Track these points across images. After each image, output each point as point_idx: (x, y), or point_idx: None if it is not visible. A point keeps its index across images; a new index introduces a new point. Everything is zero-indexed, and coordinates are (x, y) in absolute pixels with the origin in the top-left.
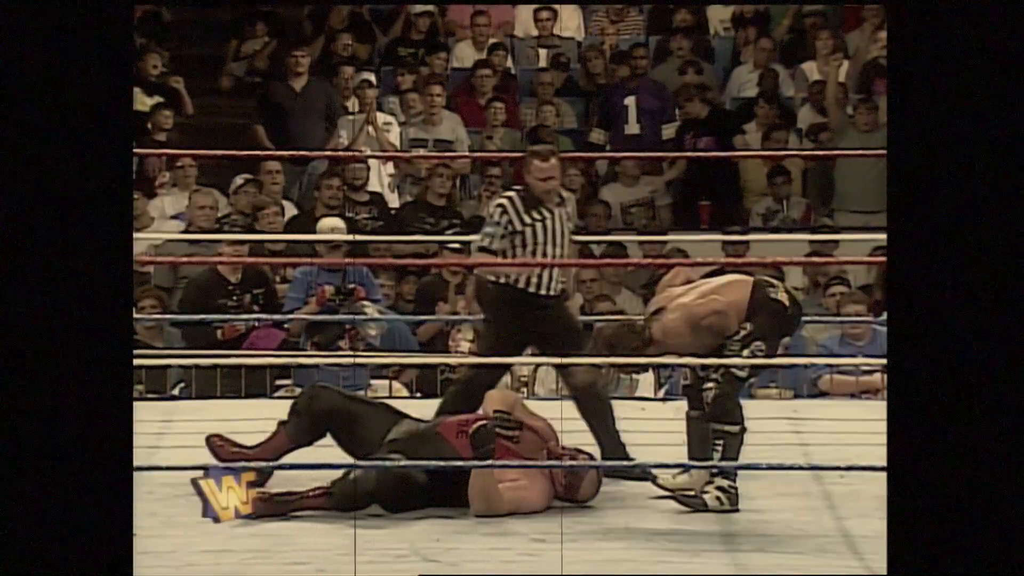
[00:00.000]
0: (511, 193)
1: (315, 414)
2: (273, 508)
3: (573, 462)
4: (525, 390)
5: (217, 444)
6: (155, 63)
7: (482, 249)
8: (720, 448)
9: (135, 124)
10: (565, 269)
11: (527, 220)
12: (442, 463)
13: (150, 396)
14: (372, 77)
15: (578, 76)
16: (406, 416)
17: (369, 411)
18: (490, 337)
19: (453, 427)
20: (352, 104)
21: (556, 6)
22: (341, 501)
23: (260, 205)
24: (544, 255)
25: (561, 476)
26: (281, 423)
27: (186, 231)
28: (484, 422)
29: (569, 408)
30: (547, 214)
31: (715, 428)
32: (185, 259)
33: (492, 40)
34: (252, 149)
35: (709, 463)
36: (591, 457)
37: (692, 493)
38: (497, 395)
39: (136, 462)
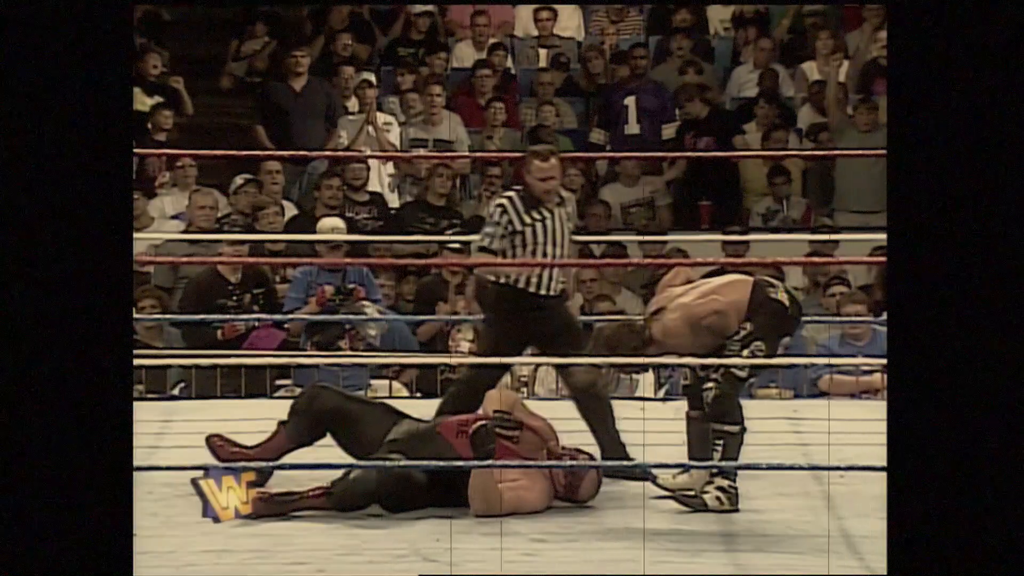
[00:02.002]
0: (511, 193)
1: (315, 414)
2: (273, 508)
3: (573, 462)
4: (525, 390)
5: (217, 444)
6: (155, 63)
7: (482, 249)
8: (720, 448)
9: (135, 124)
10: (565, 269)
11: (527, 220)
12: (442, 463)
13: (150, 396)
14: (372, 77)
15: (578, 76)
16: (406, 416)
17: (369, 411)
18: (490, 337)
19: (453, 427)
20: (352, 104)
21: (556, 6)
22: (341, 501)
23: (260, 205)
24: (544, 255)
25: (561, 476)
26: (281, 423)
27: (186, 231)
28: (484, 422)
29: (569, 408)
30: (547, 214)
31: (715, 428)
32: (185, 259)
33: (492, 40)
34: (252, 149)
35: (709, 463)
36: (591, 457)
37: (692, 493)
38: (497, 395)
39: (136, 462)
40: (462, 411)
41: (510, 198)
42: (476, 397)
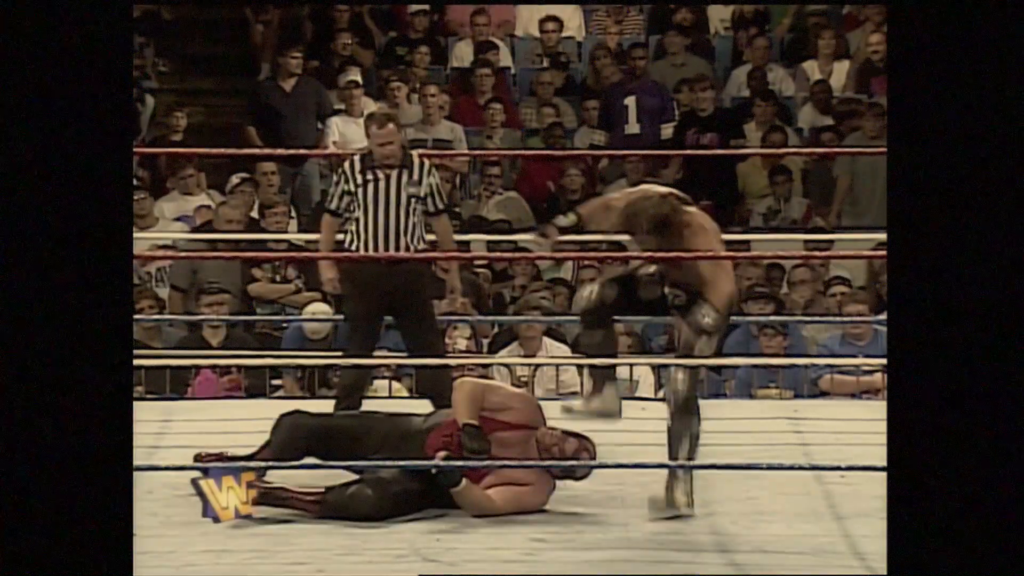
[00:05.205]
0: (355, 156)
1: (294, 443)
2: (268, 499)
3: (567, 462)
4: (524, 390)
5: (205, 461)
6: (155, 63)
7: (324, 210)
8: (687, 445)
9: (137, 122)
10: (409, 233)
11: (359, 181)
12: (435, 468)
13: (150, 396)
14: (369, 76)
15: (580, 76)
16: (396, 416)
17: (352, 425)
18: (348, 305)
19: (436, 443)
20: (347, 104)
21: (561, 15)
22: (333, 511)
23: (268, 203)
24: (376, 216)
25: (557, 454)
26: (265, 445)
27: (196, 229)
28: (459, 439)
29: (559, 408)
30: (381, 176)
31: (682, 425)
32: (185, 254)
33: (491, 39)
34: (244, 149)
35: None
36: (578, 437)
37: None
38: (462, 399)
39: (136, 462)
40: (357, 388)
41: (351, 161)
42: (360, 380)
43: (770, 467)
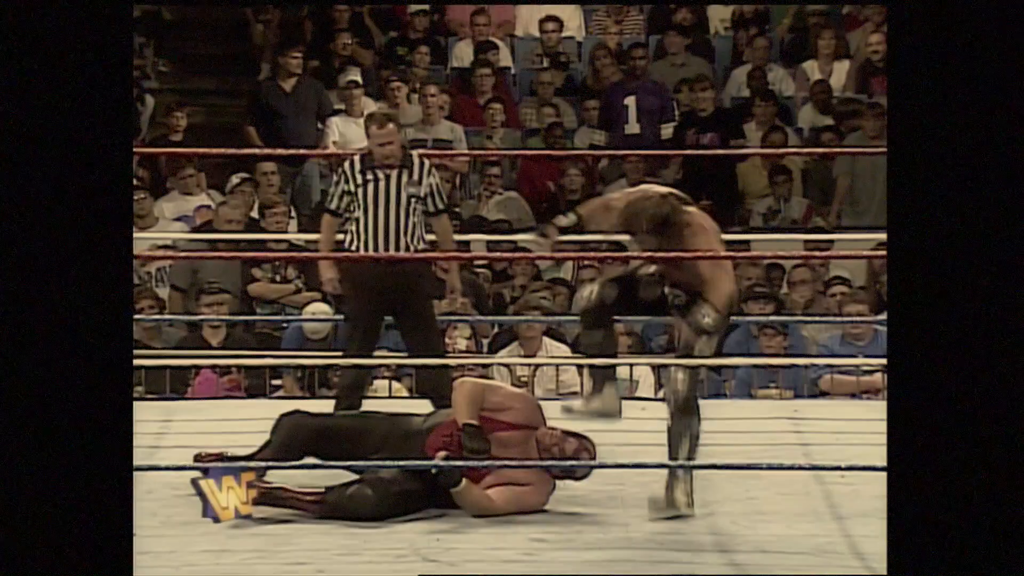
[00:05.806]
0: (354, 156)
1: (294, 443)
2: (268, 499)
3: (567, 462)
4: (524, 390)
5: (205, 461)
6: (155, 63)
7: (324, 210)
8: (687, 445)
9: (137, 122)
10: (410, 233)
11: (359, 181)
12: (436, 467)
13: (150, 396)
14: (369, 77)
15: (580, 76)
16: (396, 416)
17: (353, 425)
18: (349, 306)
19: (437, 443)
20: (347, 104)
21: (561, 15)
22: (333, 511)
23: (268, 203)
24: (376, 216)
25: (556, 453)
26: (265, 445)
27: (195, 229)
28: (459, 439)
29: (559, 408)
30: (381, 176)
31: (682, 425)
32: (185, 254)
33: (491, 39)
34: (244, 150)
35: (704, 464)
36: (578, 437)
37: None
38: (462, 399)
39: (136, 462)
40: (357, 388)
41: (351, 161)
42: (360, 380)
43: (770, 467)
